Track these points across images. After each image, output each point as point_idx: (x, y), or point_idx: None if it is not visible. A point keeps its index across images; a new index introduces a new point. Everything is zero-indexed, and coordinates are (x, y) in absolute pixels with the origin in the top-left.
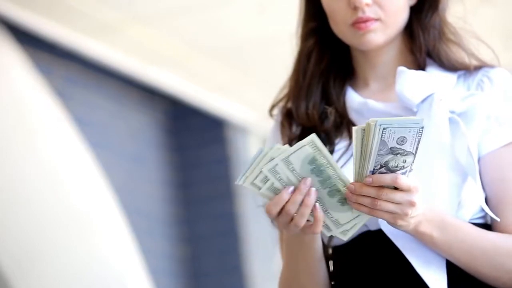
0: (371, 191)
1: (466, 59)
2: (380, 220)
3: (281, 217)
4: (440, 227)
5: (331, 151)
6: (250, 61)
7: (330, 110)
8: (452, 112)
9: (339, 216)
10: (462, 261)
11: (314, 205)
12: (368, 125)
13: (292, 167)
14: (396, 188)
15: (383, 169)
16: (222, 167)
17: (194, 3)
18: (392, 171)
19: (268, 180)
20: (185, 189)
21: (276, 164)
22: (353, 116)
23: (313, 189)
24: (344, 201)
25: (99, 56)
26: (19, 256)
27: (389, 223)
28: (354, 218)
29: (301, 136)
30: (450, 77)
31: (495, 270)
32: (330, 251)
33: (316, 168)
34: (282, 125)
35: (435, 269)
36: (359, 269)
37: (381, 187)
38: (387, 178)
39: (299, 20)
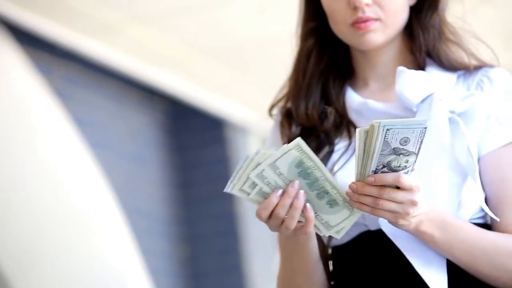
0: (373, 190)
1: (465, 59)
2: (380, 220)
3: (272, 221)
4: (441, 227)
5: (331, 151)
6: (250, 61)
7: (330, 110)
8: (452, 112)
9: (329, 218)
10: (462, 260)
11: (305, 205)
12: (372, 126)
13: (279, 171)
14: (398, 188)
15: (385, 169)
16: (222, 167)
17: (194, 3)
18: (395, 171)
19: (256, 186)
20: (185, 189)
21: (263, 169)
22: (352, 116)
23: (302, 191)
24: (333, 203)
25: (99, 56)
26: (19, 256)
27: (390, 222)
28: (343, 220)
29: (301, 136)
30: (449, 77)
31: (495, 270)
32: (330, 251)
33: (303, 171)
34: (282, 125)
35: (435, 269)
36: (359, 269)
37: (383, 186)
38: (389, 177)
39: (299, 20)
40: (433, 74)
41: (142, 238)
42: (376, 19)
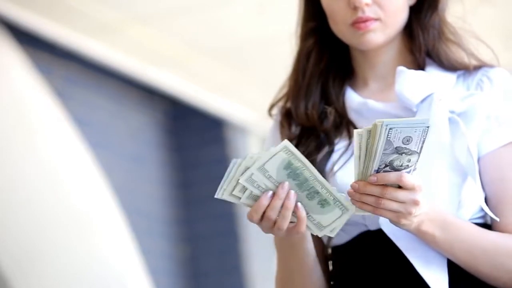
0: (375, 190)
1: (465, 59)
2: (380, 220)
3: (263, 223)
4: (442, 227)
5: (331, 151)
6: (250, 61)
7: (330, 110)
8: (452, 112)
9: (321, 219)
10: (462, 260)
11: (296, 205)
12: (375, 125)
13: (268, 174)
14: (400, 187)
15: (387, 168)
16: (222, 167)
17: (194, 3)
18: (397, 170)
19: (246, 190)
20: (185, 189)
21: (252, 173)
22: (352, 116)
23: (292, 191)
24: (324, 203)
25: (99, 56)
26: (19, 256)
27: (392, 222)
28: (335, 220)
29: (301, 136)
30: (449, 77)
31: (495, 269)
32: (330, 251)
33: (292, 172)
34: (281, 125)
35: (436, 268)
36: (359, 269)
37: (385, 186)
38: (392, 176)
39: (299, 19)
40: (433, 74)
41: (142, 238)
42: (376, 19)
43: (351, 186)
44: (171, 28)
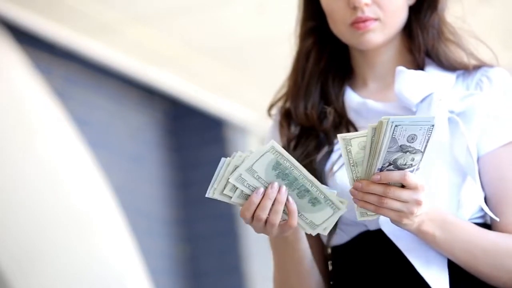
0: (378, 189)
1: (465, 58)
2: (380, 220)
3: (255, 223)
4: (442, 227)
5: (330, 151)
6: (250, 61)
7: (329, 110)
8: (451, 112)
9: (313, 217)
10: (463, 260)
11: (287, 198)
12: (381, 122)
13: (257, 175)
14: (403, 186)
15: (391, 167)
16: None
17: (194, 3)
18: (400, 169)
19: (237, 189)
20: (185, 189)
21: (241, 174)
22: (352, 116)
23: (284, 186)
24: (315, 201)
25: (99, 56)
26: (19, 256)
27: (393, 221)
28: (328, 218)
29: (300, 136)
30: (449, 77)
31: (495, 269)
32: (329, 251)
33: (281, 173)
34: (281, 125)
35: (436, 269)
36: (359, 269)
37: (387, 185)
38: (395, 175)
39: (298, 19)
40: (432, 74)
41: (142, 238)
42: (375, 19)
43: (354, 185)
44: (171, 28)
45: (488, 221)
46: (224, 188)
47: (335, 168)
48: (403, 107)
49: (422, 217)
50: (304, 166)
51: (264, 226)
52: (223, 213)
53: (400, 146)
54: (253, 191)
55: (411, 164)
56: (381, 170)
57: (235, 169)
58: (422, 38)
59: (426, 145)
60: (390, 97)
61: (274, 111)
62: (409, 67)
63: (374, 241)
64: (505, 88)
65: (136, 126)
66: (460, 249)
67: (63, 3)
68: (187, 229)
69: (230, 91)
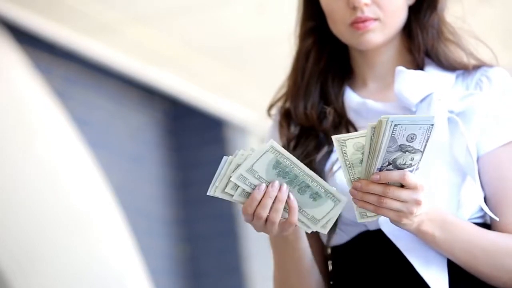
0: (378, 189)
1: (464, 58)
2: (380, 220)
3: (255, 221)
4: (442, 227)
5: (330, 151)
6: (250, 61)
7: (329, 110)
8: (451, 111)
9: (315, 212)
10: (462, 260)
11: (288, 195)
12: (380, 121)
13: (258, 175)
14: (402, 186)
15: (390, 167)
16: None
17: (194, 3)
18: (399, 169)
19: (238, 187)
20: (185, 189)
21: (241, 174)
22: (351, 116)
23: (285, 185)
24: (316, 196)
25: (99, 56)
26: (19, 256)
27: (392, 221)
28: (329, 211)
29: (300, 136)
30: (448, 77)
31: (495, 269)
32: (329, 251)
33: (281, 171)
34: (281, 125)
35: (436, 269)
36: (358, 269)
37: (387, 185)
38: (395, 174)
39: (298, 19)
40: (432, 73)
41: (142, 238)
42: (375, 19)
43: (353, 185)
44: (171, 28)
45: (488, 221)
46: (226, 186)
47: (334, 168)
48: (402, 107)
49: (421, 217)
50: None
51: (265, 225)
52: (223, 213)
53: (400, 145)
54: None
55: (411, 164)
56: (380, 169)
57: (237, 167)
58: (422, 38)
59: (425, 145)
60: (389, 97)
61: (274, 111)
62: (408, 67)
63: (374, 241)
64: (505, 88)
65: (136, 126)
66: (460, 249)
67: (63, 3)
68: (187, 229)
69: (230, 91)
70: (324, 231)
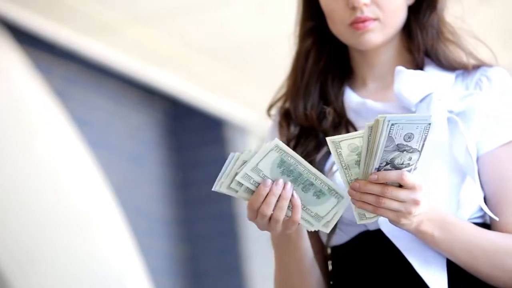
0: (376, 189)
1: (464, 58)
2: (379, 220)
3: (259, 219)
4: (441, 227)
5: (330, 151)
6: (250, 61)
7: (329, 110)
8: (451, 111)
9: (318, 209)
10: (462, 260)
11: (292, 194)
12: (377, 121)
13: (263, 173)
14: (400, 186)
15: (388, 166)
16: (222, 167)
17: (194, 3)
18: (398, 169)
19: (243, 185)
20: (184, 189)
21: (246, 173)
22: (351, 116)
23: (289, 183)
24: (319, 193)
25: (99, 56)
26: (19, 256)
27: (391, 221)
28: (333, 208)
29: (299, 136)
30: (448, 77)
31: (495, 269)
32: (329, 251)
33: (285, 169)
34: (280, 125)
35: (435, 268)
36: (358, 269)
37: (385, 185)
38: (393, 174)
39: (297, 19)
40: (431, 73)
41: (142, 238)
42: (375, 19)
43: (352, 185)
44: (171, 28)
45: (488, 221)
46: (231, 182)
47: (334, 168)
48: (402, 107)
49: (420, 217)
50: None
51: (268, 223)
52: (223, 213)
53: (397, 145)
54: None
55: (409, 164)
56: (378, 169)
57: (244, 164)
58: (422, 38)
59: (423, 144)
60: (389, 97)
61: (274, 111)
62: (408, 67)
63: (374, 241)
64: (505, 88)
65: (136, 126)
66: (460, 249)
67: (63, 3)
68: (187, 229)
69: (230, 91)
70: (326, 230)
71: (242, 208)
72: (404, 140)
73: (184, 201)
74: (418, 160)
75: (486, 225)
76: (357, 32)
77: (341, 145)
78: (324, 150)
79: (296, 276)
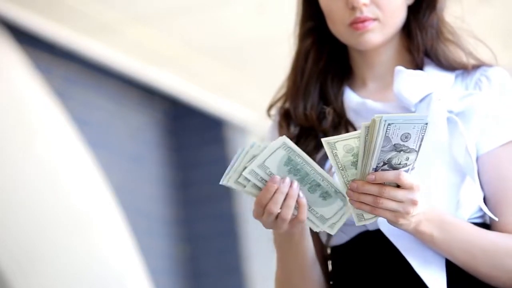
0: (373, 189)
1: (464, 58)
2: (379, 220)
3: (265, 217)
4: (440, 227)
5: None
6: (250, 61)
7: (328, 110)
8: (450, 111)
9: (324, 211)
10: (461, 260)
11: (298, 193)
12: (373, 121)
13: (269, 171)
14: (398, 186)
15: (385, 167)
16: (222, 167)
17: (194, 3)
18: (395, 169)
19: (250, 181)
20: (184, 189)
21: (253, 169)
22: (351, 116)
23: (295, 181)
24: (326, 195)
25: (99, 56)
26: (19, 256)
27: (389, 222)
28: (338, 211)
29: (299, 136)
30: (448, 77)
31: (494, 269)
32: (329, 251)
33: (292, 168)
34: (280, 125)
35: (434, 268)
36: (358, 269)
37: (383, 185)
38: (390, 174)
39: (297, 20)
40: (431, 73)
41: (142, 238)
42: (374, 19)
43: (350, 186)
44: (171, 28)
45: (488, 221)
46: (239, 177)
47: (334, 168)
48: (402, 107)
49: (419, 217)
50: None
51: (275, 221)
52: (223, 213)
53: (394, 145)
54: (265, 184)
55: (406, 164)
56: (376, 170)
57: (253, 158)
58: (421, 38)
59: (420, 144)
60: (389, 97)
61: (274, 111)
62: (408, 67)
63: (374, 241)
64: (504, 88)
65: (136, 126)
66: (459, 249)
67: (63, 3)
68: (187, 229)
69: (230, 91)
70: (332, 232)
71: (242, 208)
72: (401, 140)
73: (184, 201)
74: (415, 160)
75: (486, 225)
76: (357, 32)
77: (337, 146)
78: (323, 151)
79: (297, 276)
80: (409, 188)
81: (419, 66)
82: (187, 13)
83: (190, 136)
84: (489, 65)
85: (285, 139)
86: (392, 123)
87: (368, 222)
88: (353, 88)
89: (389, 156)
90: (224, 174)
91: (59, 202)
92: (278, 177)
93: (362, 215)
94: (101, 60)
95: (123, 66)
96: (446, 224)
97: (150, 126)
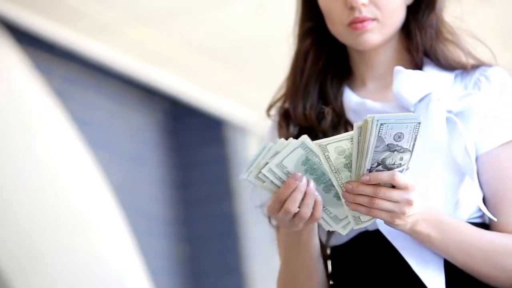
0: (368, 190)
1: (463, 58)
2: (378, 220)
3: (282, 215)
4: (437, 227)
5: None
6: (250, 61)
7: (328, 110)
8: (449, 111)
9: (337, 212)
10: (460, 260)
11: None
12: (366, 121)
13: (287, 170)
14: (393, 187)
15: (380, 167)
16: (222, 167)
17: (194, 3)
18: (389, 169)
19: (268, 178)
20: (184, 189)
21: (271, 168)
22: (350, 116)
23: (312, 180)
24: (340, 195)
25: (99, 56)
26: (19, 256)
27: (386, 222)
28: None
29: (299, 136)
30: (447, 77)
31: (493, 269)
32: (329, 251)
33: (309, 168)
34: (280, 125)
35: (432, 268)
36: (357, 269)
37: (378, 185)
38: (384, 175)
39: (296, 20)
40: (430, 73)
41: (142, 238)
42: (373, 19)
43: (345, 187)
44: (171, 28)
45: (487, 221)
46: (259, 172)
47: None
48: (401, 107)
49: (415, 217)
50: None
51: (292, 219)
52: (223, 213)
53: (387, 145)
54: (282, 183)
55: (400, 164)
56: (370, 170)
57: (275, 154)
58: (420, 38)
59: (414, 144)
60: (388, 97)
61: (273, 111)
62: (407, 67)
63: (373, 241)
64: (504, 88)
65: (136, 126)
66: (457, 249)
67: (63, 3)
68: (187, 229)
69: (230, 91)
70: (343, 232)
71: (242, 208)
72: (394, 140)
73: (184, 201)
74: (409, 160)
75: (485, 225)
76: (356, 32)
77: (328, 149)
78: None
79: (303, 275)
80: (404, 188)
81: (418, 66)
82: (187, 13)
83: (190, 136)
84: (489, 65)
85: (305, 138)
86: (385, 123)
87: (365, 225)
88: (352, 88)
89: (383, 157)
90: (245, 169)
91: (59, 202)
92: (299, 174)
93: (359, 217)
94: (101, 60)
95: (123, 66)
96: (444, 224)
97: (150, 126)
